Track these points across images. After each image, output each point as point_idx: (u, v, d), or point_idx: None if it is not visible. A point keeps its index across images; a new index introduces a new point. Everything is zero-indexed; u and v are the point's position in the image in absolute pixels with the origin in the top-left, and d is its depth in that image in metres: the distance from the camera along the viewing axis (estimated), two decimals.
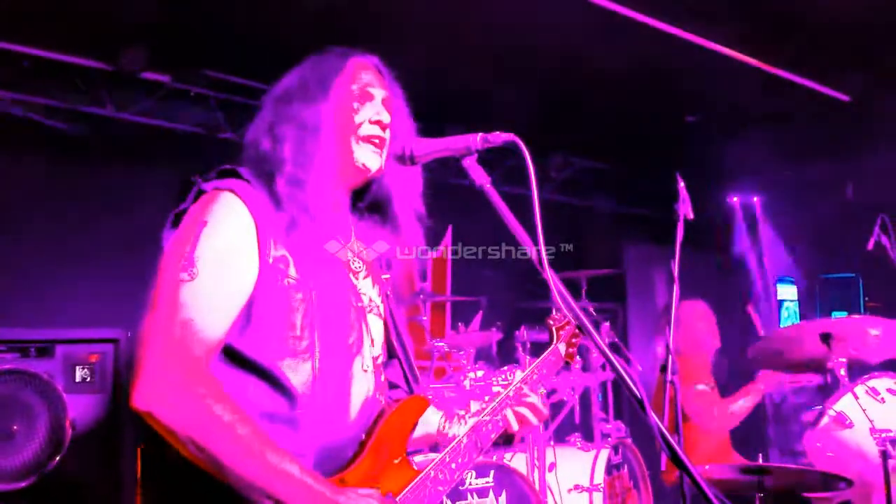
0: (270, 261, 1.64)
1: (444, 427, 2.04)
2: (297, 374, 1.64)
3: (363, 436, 1.74)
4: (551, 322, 2.28)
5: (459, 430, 1.98)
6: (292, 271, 1.66)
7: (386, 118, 1.83)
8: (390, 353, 1.99)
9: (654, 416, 1.48)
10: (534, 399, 1.99)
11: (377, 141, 1.82)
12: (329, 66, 1.83)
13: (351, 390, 1.74)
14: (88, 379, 3.84)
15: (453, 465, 1.81)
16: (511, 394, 1.99)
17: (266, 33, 4.67)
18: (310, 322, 1.67)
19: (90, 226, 4.89)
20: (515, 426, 1.97)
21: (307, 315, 1.67)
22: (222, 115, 5.46)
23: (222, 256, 1.59)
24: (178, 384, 1.49)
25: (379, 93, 1.85)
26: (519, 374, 2.06)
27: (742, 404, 4.14)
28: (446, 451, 1.82)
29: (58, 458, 3.59)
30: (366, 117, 1.81)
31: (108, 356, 3.91)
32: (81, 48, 4.83)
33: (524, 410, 1.98)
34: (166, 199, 1.77)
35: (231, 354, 1.62)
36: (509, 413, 1.96)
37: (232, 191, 1.64)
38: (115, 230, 4.79)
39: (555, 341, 2.22)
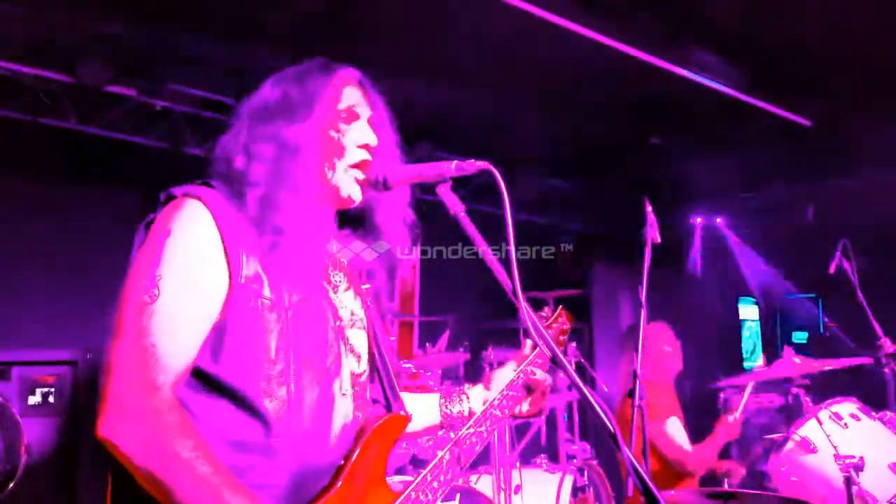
0: (242, 280, 1.57)
1: (445, 408, 2.02)
2: (272, 399, 1.57)
3: (341, 461, 1.66)
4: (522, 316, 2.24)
5: (463, 406, 1.99)
6: (266, 291, 1.59)
7: (373, 140, 1.78)
8: (371, 366, 1.91)
9: (627, 452, 1.48)
10: (540, 375, 2.01)
11: (364, 166, 1.77)
12: (313, 83, 1.75)
13: (329, 415, 1.67)
14: (45, 402, 3.73)
15: (435, 484, 1.75)
16: (496, 402, 1.95)
17: (232, 48, 4.62)
18: (285, 345, 1.60)
19: (49, 243, 4.76)
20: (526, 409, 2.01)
21: (282, 337, 1.60)
22: (188, 129, 5.38)
23: (186, 274, 1.53)
24: (139, 414, 1.44)
25: (365, 112, 1.80)
26: (509, 374, 2.03)
27: (711, 448, 4.02)
28: (427, 469, 1.76)
29: (11, 485, 3.48)
30: (353, 141, 1.76)
31: (66, 379, 3.81)
32: (44, 61, 4.73)
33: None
34: (128, 216, 1.69)
35: (204, 379, 1.55)
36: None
37: (199, 199, 1.58)
38: (75, 248, 4.69)
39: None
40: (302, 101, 1.72)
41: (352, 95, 1.79)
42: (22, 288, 4.59)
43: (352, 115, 1.78)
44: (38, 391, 3.73)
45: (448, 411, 2.00)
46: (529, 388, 2.01)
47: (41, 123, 4.85)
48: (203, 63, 4.95)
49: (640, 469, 1.46)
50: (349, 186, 1.76)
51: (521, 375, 2.04)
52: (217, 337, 1.55)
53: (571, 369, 1.57)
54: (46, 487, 3.68)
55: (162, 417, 1.45)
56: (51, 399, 3.75)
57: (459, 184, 1.72)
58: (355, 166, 1.76)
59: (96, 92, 4.80)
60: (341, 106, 1.76)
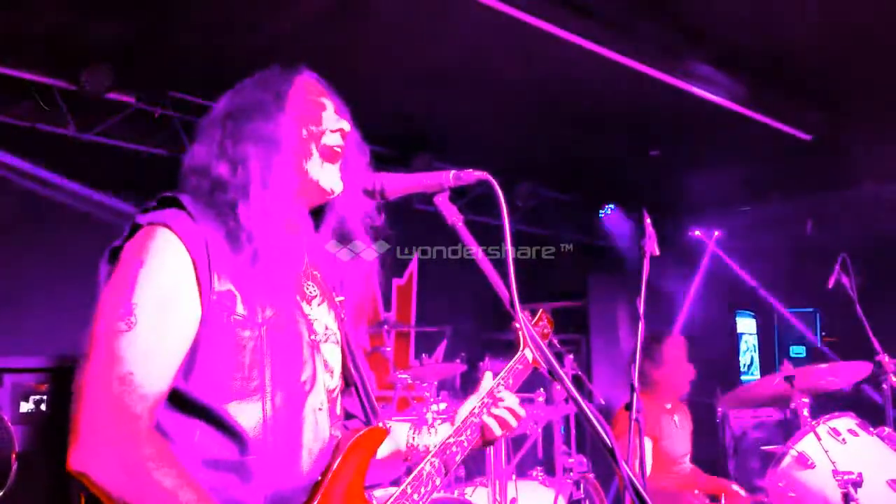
0: (214, 297, 1.55)
1: (412, 439, 1.97)
2: (247, 416, 1.55)
3: (318, 477, 1.64)
4: (517, 326, 2.16)
5: (430, 439, 1.93)
6: (239, 307, 1.57)
7: (346, 126, 1.79)
8: (347, 381, 1.90)
9: (625, 467, 1.46)
10: (510, 402, 1.93)
11: (339, 150, 1.77)
12: (278, 82, 1.77)
13: (304, 431, 1.65)
14: (37, 410, 3.70)
15: (416, 496, 1.72)
16: (477, 410, 1.91)
17: (231, 56, 4.62)
18: (259, 360, 1.58)
19: (46, 251, 4.74)
20: (498, 431, 1.91)
21: (256, 353, 1.58)
22: (186, 136, 5.38)
23: (162, 302, 1.50)
24: (116, 446, 1.40)
25: (330, 103, 1.81)
26: (484, 389, 1.96)
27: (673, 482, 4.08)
28: (407, 482, 1.72)
29: (1, 494, 3.44)
30: (326, 126, 1.76)
31: (59, 386, 3.77)
32: (44, 67, 4.72)
33: (503, 412, 1.92)
34: (125, 224, 1.66)
35: (176, 398, 1.52)
36: (487, 418, 1.90)
37: (167, 226, 1.55)
38: (71, 256, 4.65)
39: (522, 347, 2.07)
40: (272, 98, 1.73)
41: (316, 89, 1.81)
42: (17, 295, 4.56)
43: (320, 106, 1.79)
44: (31, 398, 3.69)
45: (414, 443, 1.96)
46: (484, 439, 1.93)
47: (39, 130, 4.84)
48: (202, 70, 4.95)
49: (638, 486, 1.44)
50: (328, 179, 1.76)
51: (500, 384, 1.98)
52: (190, 355, 1.53)
53: (569, 382, 1.56)
54: (38, 496, 3.64)
55: (142, 447, 1.42)
56: (43, 407, 3.72)
57: (457, 194, 1.71)
58: (330, 151, 1.76)
59: (96, 99, 4.78)
60: (309, 97, 1.78)
